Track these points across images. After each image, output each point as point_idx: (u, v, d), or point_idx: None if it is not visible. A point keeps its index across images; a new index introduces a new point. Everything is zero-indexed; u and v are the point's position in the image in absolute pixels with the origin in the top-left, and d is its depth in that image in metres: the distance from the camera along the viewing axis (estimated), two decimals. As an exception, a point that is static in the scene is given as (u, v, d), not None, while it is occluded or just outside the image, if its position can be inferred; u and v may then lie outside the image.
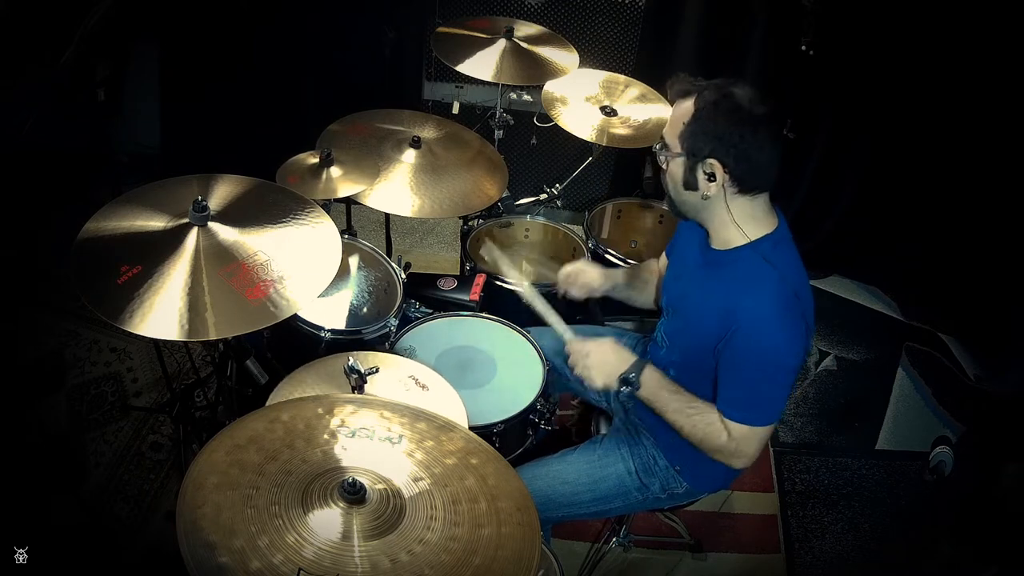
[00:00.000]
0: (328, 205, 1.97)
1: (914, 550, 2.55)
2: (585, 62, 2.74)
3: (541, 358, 2.07)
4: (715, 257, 1.68)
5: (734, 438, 1.64)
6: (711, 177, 1.57)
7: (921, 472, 2.78)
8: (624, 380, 1.73)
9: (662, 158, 1.66)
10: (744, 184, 1.58)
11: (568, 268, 2.11)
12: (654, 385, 1.73)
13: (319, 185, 2.04)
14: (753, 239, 1.63)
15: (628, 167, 3.27)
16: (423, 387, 1.80)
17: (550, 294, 2.07)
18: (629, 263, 2.48)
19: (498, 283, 2.39)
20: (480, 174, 2.32)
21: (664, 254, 2.08)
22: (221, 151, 3.10)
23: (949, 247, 3.19)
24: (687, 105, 1.59)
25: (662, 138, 1.66)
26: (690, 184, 1.61)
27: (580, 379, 1.80)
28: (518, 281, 2.07)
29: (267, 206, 1.73)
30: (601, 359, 1.76)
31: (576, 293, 2.10)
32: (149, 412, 2.63)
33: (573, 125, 2.47)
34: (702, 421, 1.68)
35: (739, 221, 1.62)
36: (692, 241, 1.78)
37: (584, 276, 2.09)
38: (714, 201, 1.61)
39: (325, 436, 1.29)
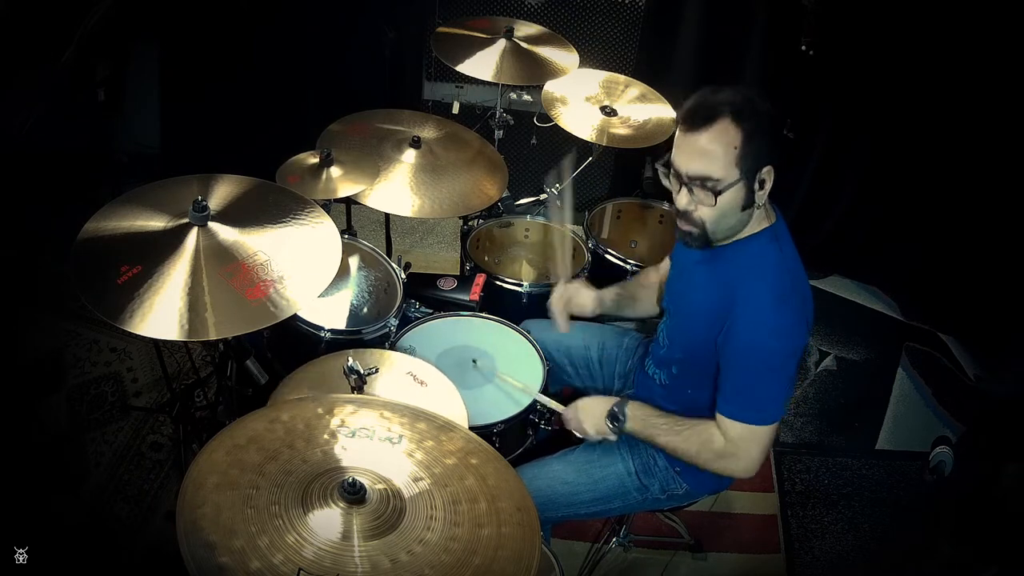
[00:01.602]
0: (328, 205, 1.97)
1: (914, 550, 2.54)
2: (585, 62, 2.75)
3: (541, 358, 2.07)
4: (716, 253, 1.68)
5: (731, 439, 1.63)
6: (762, 184, 1.56)
7: (921, 472, 2.78)
8: (611, 416, 1.77)
9: (712, 196, 1.52)
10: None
11: (558, 296, 2.04)
12: (640, 414, 1.77)
13: (319, 185, 2.04)
14: (756, 231, 1.64)
15: (628, 167, 3.27)
16: (421, 383, 1.80)
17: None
18: (629, 263, 2.48)
19: (498, 283, 2.39)
20: (480, 174, 2.32)
21: (668, 258, 2.08)
22: (221, 151, 3.10)
23: (949, 247, 3.18)
24: (722, 128, 1.49)
25: (705, 177, 1.52)
26: (748, 203, 1.57)
27: (581, 436, 1.85)
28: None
29: (267, 206, 1.74)
30: (586, 409, 1.83)
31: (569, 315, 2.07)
32: (149, 412, 2.63)
33: (573, 125, 2.47)
34: (694, 433, 1.69)
35: (755, 218, 1.63)
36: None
37: (576, 306, 2.04)
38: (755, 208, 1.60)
39: (325, 436, 1.29)
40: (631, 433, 1.78)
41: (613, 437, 1.80)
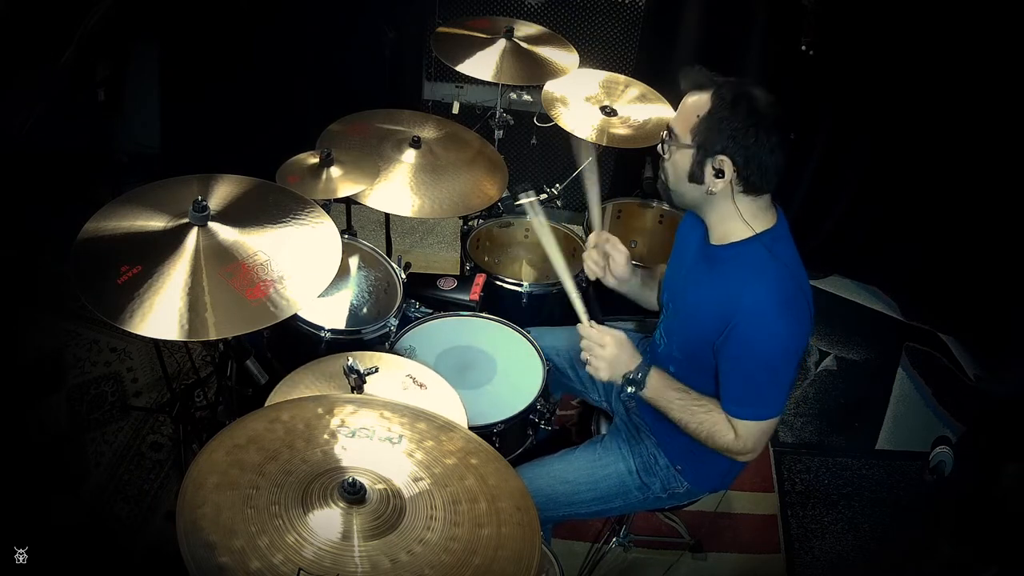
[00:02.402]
0: (328, 205, 1.97)
1: (914, 550, 2.55)
2: (585, 62, 2.74)
3: (541, 358, 2.07)
4: (714, 253, 1.69)
5: (741, 435, 1.66)
6: (719, 173, 1.57)
7: (921, 472, 2.78)
8: (630, 380, 1.72)
9: (667, 147, 1.66)
10: (750, 184, 1.59)
11: (596, 239, 1.96)
12: (660, 385, 1.73)
13: (319, 185, 2.04)
14: (755, 233, 1.63)
15: (628, 167, 3.27)
16: (421, 386, 1.80)
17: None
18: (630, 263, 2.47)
19: (498, 283, 2.39)
20: (480, 174, 2.32)
21: None
22: (221, 151, 3.10)
23: (949, 247, 3.19)
24: (701, 98, 1.59)
25: (669, 127, 1.65)
26: (695, 177, 1.61)
27: (585, 363, 1.75)
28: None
29: (267, 206, 1.74)
30: (613, 354, 1.72)
31: (601, 271, 1.97)
32: (149, 412, 2.63)
33: (573, 125, 2.47)
34: (708, 420, 1.69)
35: (743, 216, 1.62)
36: (691, 237, 1.78)
37: (614, 263, 1.94)
38: (719, 196, 1.61)
39: (325, 436, 1.29)
40: (644, 399, 1.75)
41: (616, 384, 1.74)
